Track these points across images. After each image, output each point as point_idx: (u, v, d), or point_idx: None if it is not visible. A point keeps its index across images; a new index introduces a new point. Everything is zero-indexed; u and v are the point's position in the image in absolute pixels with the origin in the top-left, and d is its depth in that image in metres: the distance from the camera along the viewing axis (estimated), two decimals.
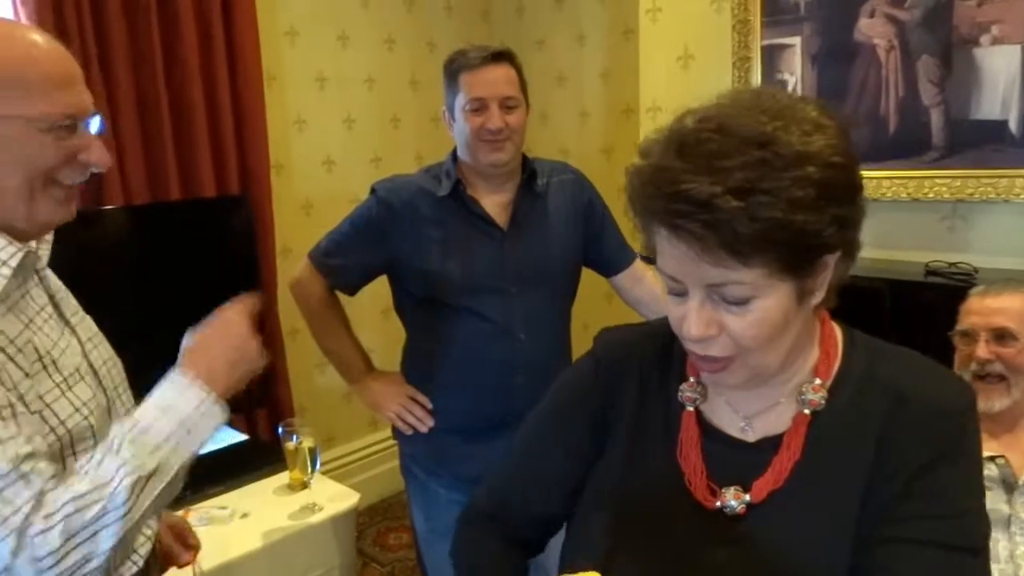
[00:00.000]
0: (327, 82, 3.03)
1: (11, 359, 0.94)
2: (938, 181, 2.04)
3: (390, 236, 1.72)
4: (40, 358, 0.99)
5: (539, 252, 1.74)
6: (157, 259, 2.27)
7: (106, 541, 0.91)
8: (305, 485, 2.03)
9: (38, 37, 0.98)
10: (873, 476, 0.77)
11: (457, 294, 1.70)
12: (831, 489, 0.78)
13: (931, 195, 2.05)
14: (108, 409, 1.09)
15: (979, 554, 0.76)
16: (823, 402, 0.80)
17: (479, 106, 1.65)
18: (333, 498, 2.04)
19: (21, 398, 0.93)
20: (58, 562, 0.89)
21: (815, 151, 0.69)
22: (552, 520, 0.96)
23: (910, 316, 1.96)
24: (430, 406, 1.78)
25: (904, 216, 2.13)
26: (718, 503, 0.81)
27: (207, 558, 1.69)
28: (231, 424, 2.58)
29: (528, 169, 1.76)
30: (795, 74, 2.23)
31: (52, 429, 0.97)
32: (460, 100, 1.67)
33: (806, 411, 0.80)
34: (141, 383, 1.12)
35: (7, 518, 0.88)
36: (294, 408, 2.90)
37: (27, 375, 0.95)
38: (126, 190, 2.35)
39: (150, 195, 2.42)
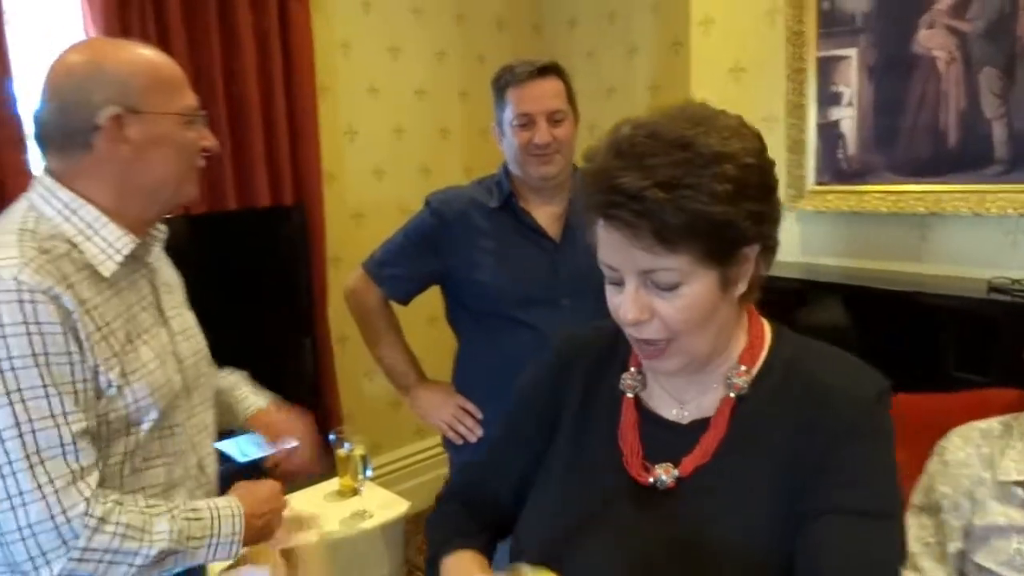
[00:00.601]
0: (378, 93, 3.08)
1: (106, 338, 1.07)
2: (1001, 195, 1.99)
3: (443, 247, 1.74)
4: (131, 341, 1.12)
5: (591, 264, 1.74)
6: (214, 266, 2.32)
7: (115, 572, 1.03)
8: (355, 492, 2.05)
9: (152, 49, 1.17)
10: (793, 457, 0.84)
11: (508, 305, 1.71)
12: (753, 466, 0.86)
13: (993, 210, 2.00)
14: (186, 396, 1.22)
15: (893, 518, 0.84)
16: (747, 387, 0.89)
17: (526, 121, 1.67)
18: (383, 505, 2.06)
19: (100, 373, 1.06)
20: (80, 558, 1.00)
21: (730, 152, 0.79)
22: (508, 505, 1.02)
23: (973, 333, 1.91)
24: (480, 416, 1.78)
25: (965, 231, 2.08)
26: (651, 478, 0.89)
27: None
28: None
29: None
30: (851, 86, 2.20)
31: (127, 404, 1.09)
32: (508, 115, 1.70)
33: (731, 395, 0.89)
34: None
35: (52, 480, 0.99)
36: (342, 415, 2.94)
37: (116, 354, 1.08)
38: None
39: (207, 204, 2.48)
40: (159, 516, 1.07)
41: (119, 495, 1.06)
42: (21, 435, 0.98)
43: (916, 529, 1.41)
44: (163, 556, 1.05)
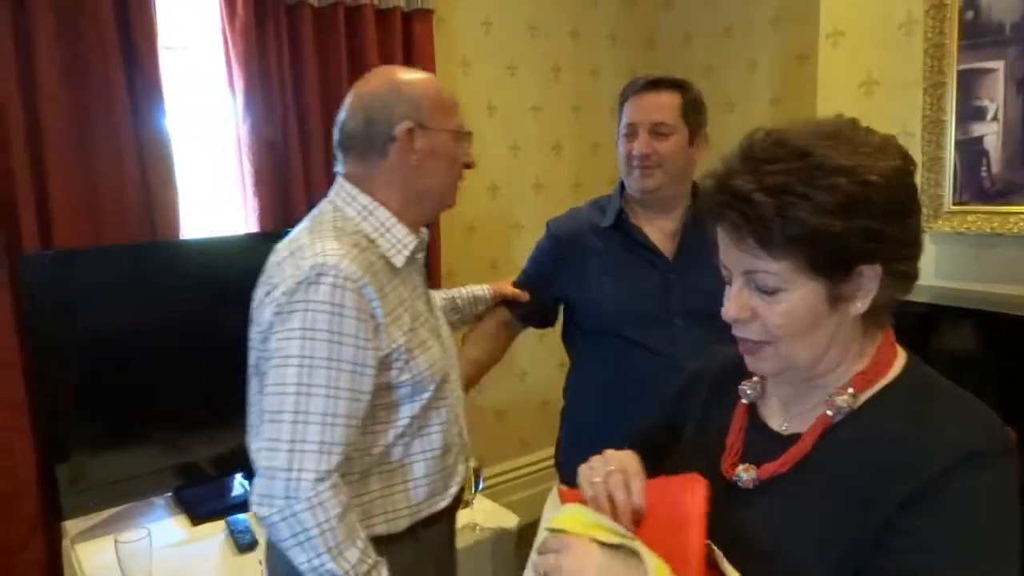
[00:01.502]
0: (495, 110, 3.13)
1: (397, 319, 1.27)
2: None
3: (560, 269, 1.75)
4: (415, 319, 1.31)
5: (709, 285, 1.67)
6: None
7: (292, 550, 1.15)
8: (467, 504, 2.07)
9: (432, 75, 1.39)
10: (865, 498, 0.80)
11: (619, 323, 1.69)
12: (825, 489, 0.83)
13: None
14: (447, 373, 1.39)
15: None
16: (848, 408, 0.86)
17: (631, 131, 1.65)
18: (493, 519, 2.07)
19: (392, 348, 1.24)
20: (286, 517, 1.13)
21: (851, 166, 0.78)
22: None
23: None
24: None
25: None
26: (733, 475, 0.92)
27: None
28: None
29: (697, 200, 1.72)
30: (996, 101, 2.06)
31: (412, 376, 1.28)
32: (620, 125, 1.70)
33: (828, 413, 0.87)
34: None
35: (305, 441, 1.14)
36: None
37: (404, 332, 1.27)
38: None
39: None
40: (355, 547, 1.17)
41: (348, 500, 1.18)
42: (298, 394, 1.15)
43: None
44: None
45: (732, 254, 0.85)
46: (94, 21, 2.07)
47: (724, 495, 0.91)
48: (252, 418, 1.33)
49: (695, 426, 1.05)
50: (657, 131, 1.64)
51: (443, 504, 1.39)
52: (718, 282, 1.64)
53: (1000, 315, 1.96)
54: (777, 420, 0.94)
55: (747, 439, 0.95)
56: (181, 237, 2.24)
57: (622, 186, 1.76)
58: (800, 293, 0.82)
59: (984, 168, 2.11)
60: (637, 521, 0.87)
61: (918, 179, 2.22)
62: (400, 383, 1.27)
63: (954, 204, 2.17)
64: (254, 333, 1.30)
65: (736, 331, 0.89)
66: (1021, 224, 2.05)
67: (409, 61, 2.71)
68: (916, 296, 2.22)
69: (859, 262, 0.81)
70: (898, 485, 0.78)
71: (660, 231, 1.71)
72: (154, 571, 1.64)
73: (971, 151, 2.12)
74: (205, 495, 2.13)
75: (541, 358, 3.32)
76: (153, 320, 2.01)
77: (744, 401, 0.99)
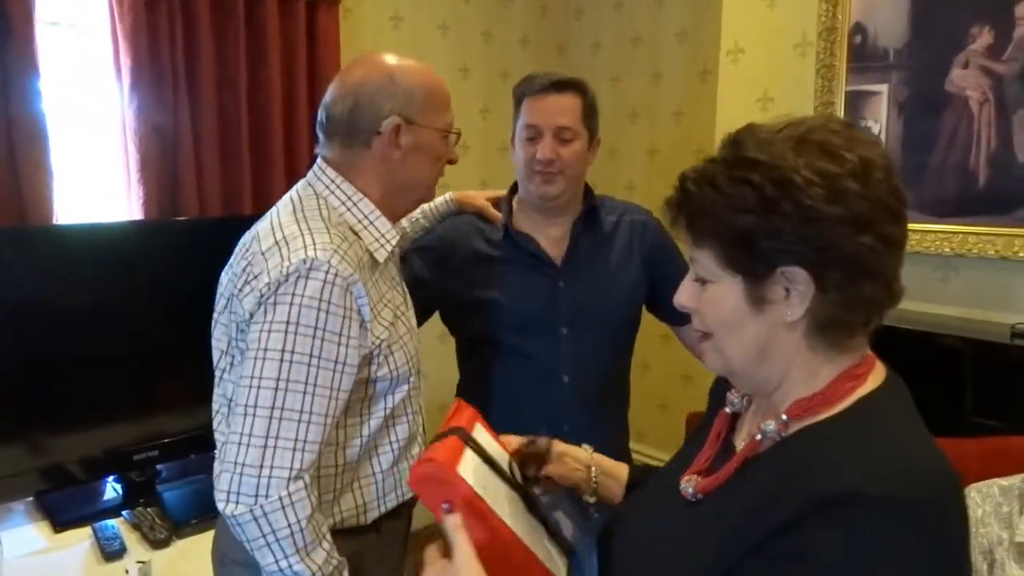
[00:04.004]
0: None
1: (379, 315, 1.23)
2: None
3: (439, 274, 1.67)
4: (394, 314, 1.29)
5: (597, 292, 1.65)
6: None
7: (260, 550, 1.12)
8: None
9: (428, 66, 1.33)
10: (735, 533, 0.75)
11: (504, 331, 1.63)
12: (727, 514, 0.79)
13: (1021, 253, 1.96)
14: (420, 365, 1.38)
15: None
16: (772, 433, 0.81)
17: (533, 134, 1.57)
18: None
19: (374, 344, 1.22)
20: (255, 517, 1.09)
21: (767, 162, 0.75)
22: None
23: (994, 378, 1.86)
24: None
25: (990, 274, 2.04)
26: (681, 484, 0.89)
27: None
28: None
29: (588, 204, 1.67)
30: (880, 122, 2.17)
31: (390, 371, 1.26)
32: (519, 126, 1.62)
33: (757, 437, 0.82)
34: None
35: (279, 437, 1.11)
36: None
37: (386, 327, 1.25)
38: (202, 203, 2.41)
39: (223, 209, 2.46)
40: (321, 548, 1.15)
41: (317, 503, 1.15)
42: (276, 389, 1.11)
43: None
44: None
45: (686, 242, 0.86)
46: None
47: (673, 501, 0.89)
48: (218, 402, 1.30)
49: (697, 432, 1.01)
50: (561, 136, 1.57)
51: (409, 495, 1.38)
52: (608, 288, 1.64)
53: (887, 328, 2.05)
54: (744, 435, 0.90)
55: (720, 450, 0.91)
56: (54, 223, 2.09)
57: (513, 189, 1.71)
58: (722, 286, 0.80)
59: None
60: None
61: None
62: (378, 378, 1.25)
63: None
64: (224, 318, 1.24)
65: (692, 320, 0.87)
66: None
67: (313, 51, 2.63)
68: None
69: (776, 263, 0.76)
70: (770, 518, 0.71)
71: (548, 236, 1.66)
72: None
73: None
74: (71, 500, 1.99)
75: (442, 361, 3.28)
76: (14, 309, 1.86)
77: (728, 410, 0.94)
